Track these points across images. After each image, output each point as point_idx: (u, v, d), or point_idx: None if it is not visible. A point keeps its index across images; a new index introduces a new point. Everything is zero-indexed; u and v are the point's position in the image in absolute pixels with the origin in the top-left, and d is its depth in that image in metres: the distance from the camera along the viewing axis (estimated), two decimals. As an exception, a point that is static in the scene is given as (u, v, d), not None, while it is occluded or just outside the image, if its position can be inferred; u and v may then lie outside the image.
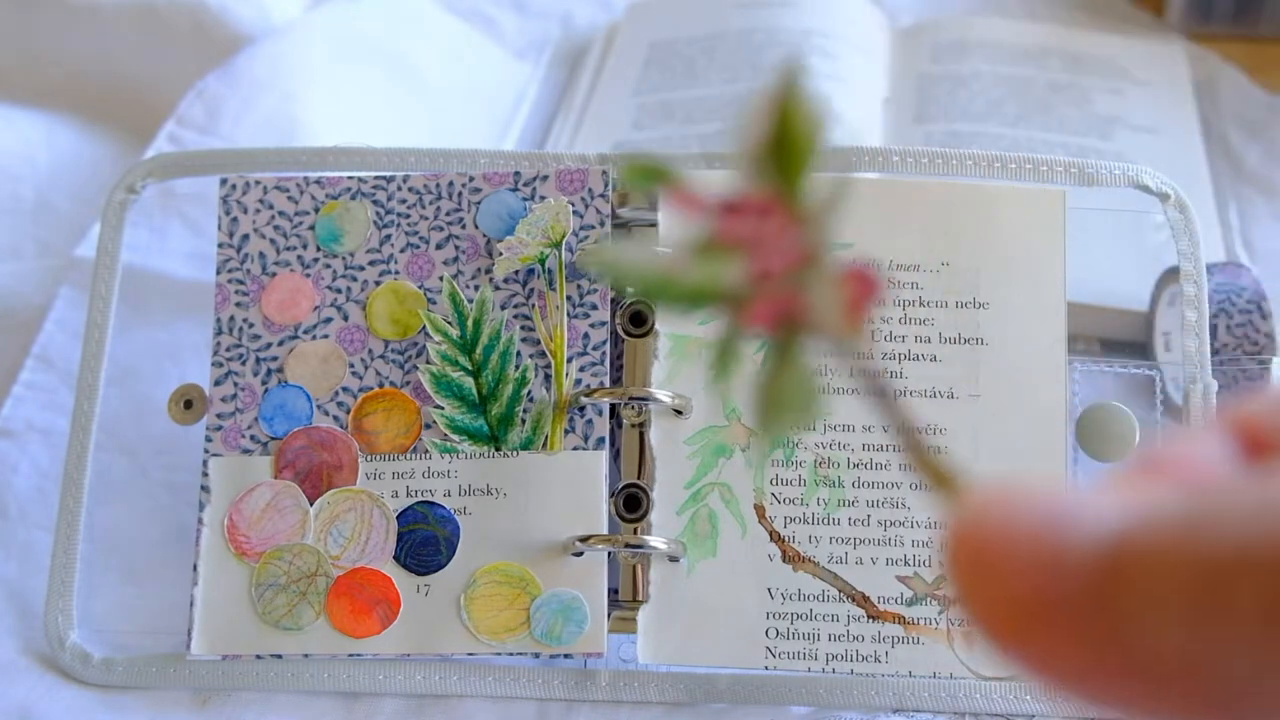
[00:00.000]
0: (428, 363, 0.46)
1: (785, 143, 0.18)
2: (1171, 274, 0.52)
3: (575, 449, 0.45)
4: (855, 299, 0.19)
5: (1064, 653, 0.16)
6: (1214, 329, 0.49)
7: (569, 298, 0.46)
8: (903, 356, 0.46)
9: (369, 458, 0.46)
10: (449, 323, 0.46)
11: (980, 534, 0.17)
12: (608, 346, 0.46)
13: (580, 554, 0.45)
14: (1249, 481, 0.16)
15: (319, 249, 0.48)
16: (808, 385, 0.19)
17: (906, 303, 0.46)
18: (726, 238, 0.19)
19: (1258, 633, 0.14)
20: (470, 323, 0.46)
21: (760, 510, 0.45)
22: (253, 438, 0.47)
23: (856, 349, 0.18)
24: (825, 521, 0.45)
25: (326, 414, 0.47)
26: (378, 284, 0.47)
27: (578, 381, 0.46)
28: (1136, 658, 0.15)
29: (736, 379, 0.18)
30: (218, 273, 0.48)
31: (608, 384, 0.46)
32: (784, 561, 0.45)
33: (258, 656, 0.45)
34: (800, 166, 0.18)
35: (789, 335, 0.19)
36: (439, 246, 0.47)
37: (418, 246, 0.47)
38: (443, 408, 0.46)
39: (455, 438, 0.46)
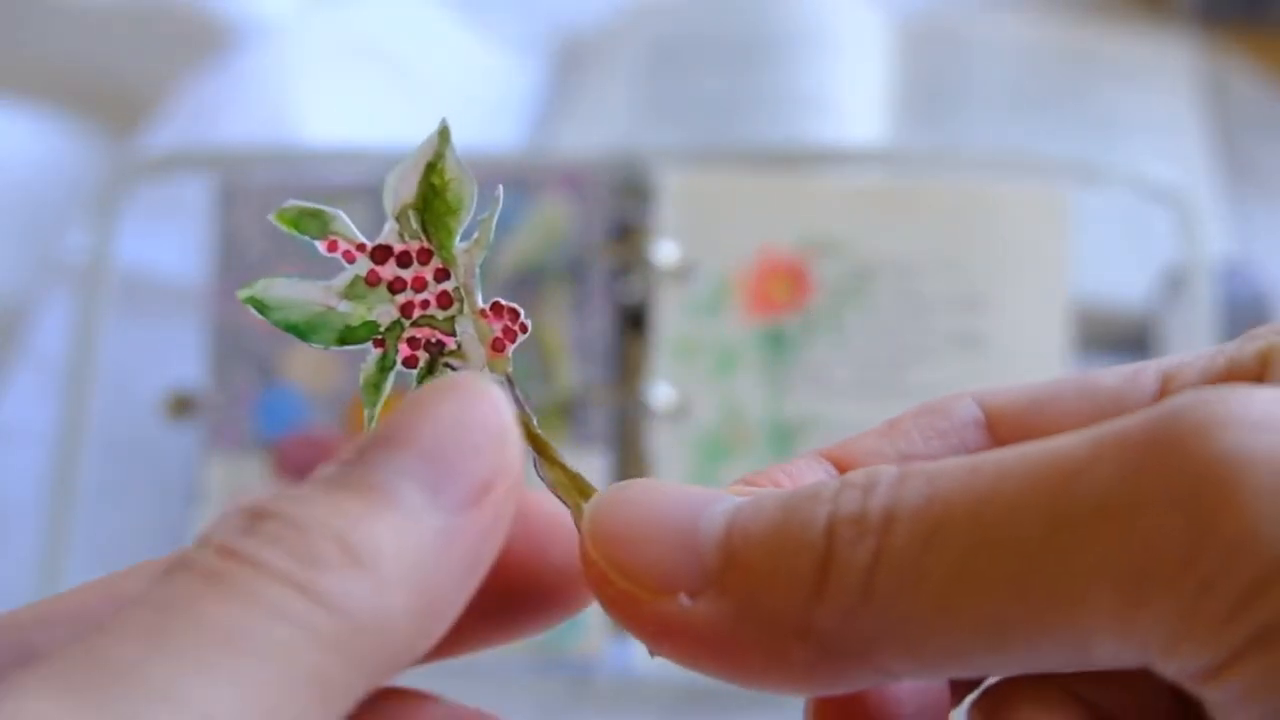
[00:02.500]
0: None
1: (434, 201, 0.21)
2: (1174, 274, 0.52)
3: (575, 449, 0.45)
4: (501, 335, 0.21)
5: (698, 631, 0.18)
6: (1217, 328, 0.48)
7: (568, 298, 0.46)
8: (903, 357, 0.46)
9: (366, 459, 0.46)
10: None
11: (622, 518, 0.19)
12: (608, 346, 0.46)
13: (579, 556, 0.44)
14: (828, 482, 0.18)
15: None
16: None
17: (907, 303, 0.46)
18: (375, 280, 0.21)
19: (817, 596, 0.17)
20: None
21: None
22: (248, 438, 0.46)
23: (503, 376, 0.21)
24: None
25: (323, 414, 0.46)
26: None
27: (577, 382, 0.45)
28: (757, 628, 0.18)
29: (382, 409, 0.20)
30: (212, 272, 0.48)
31: (608, 384, 0.45)
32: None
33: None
34: (449, 222, 0.21)
35: (432, 368, 0.21)
36: (437, 246, 0.47)
37: (415, 246, 0.47)
38: None
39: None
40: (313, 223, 0.21)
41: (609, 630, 0.44)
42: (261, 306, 0.20)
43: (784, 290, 0.46)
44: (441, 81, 0.68)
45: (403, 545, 0.17)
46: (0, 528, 0.50)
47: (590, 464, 0.45)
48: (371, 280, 0.21)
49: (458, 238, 0.21)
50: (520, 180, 0.47)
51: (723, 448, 0.45)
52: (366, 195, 0.48)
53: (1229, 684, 0.16)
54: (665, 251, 0.46)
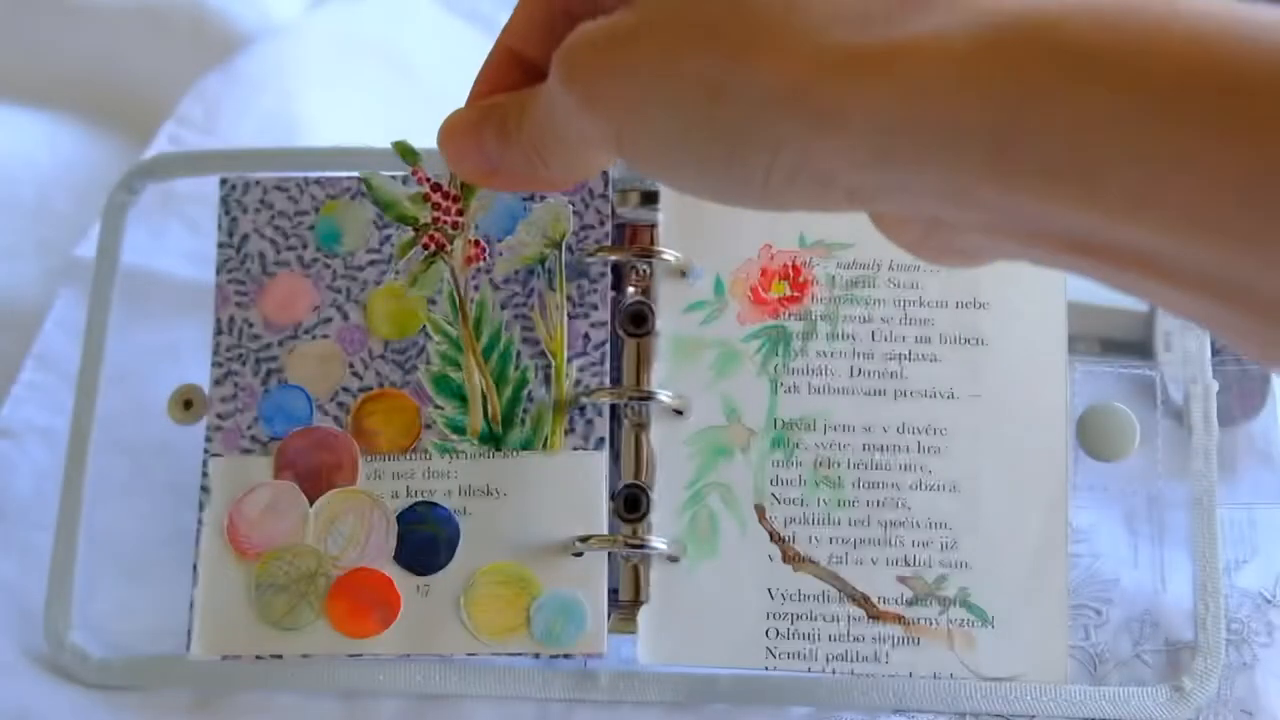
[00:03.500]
0: (427, 363, 0.46)
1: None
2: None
3: (575, 449, 0.45)
4: (472, 255, 0.45)
5: (505, 181, 0.34)
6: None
7: (569, 298, 0.46)
8: (903, 356, 0.46)
9: (369, 458, 0.46)
10: (448, 323, 0.46)
11: (447, 146, 0.35)
12: (608, 346, 0.46)
13: (580, 554, 0.45)
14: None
15: (319, 249, 0.48)
16: (434, 280, 0.45)
17: (907, 303, 0.46)
18: (427, 199, 0.44)
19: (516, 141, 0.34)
20: (471, 323, 0.46)
21: (760, 510, 0.45)
22: (253, 438, 0.47)
23: (463, 281, 0.44)
24: (825, 522, 0.45)
25: (326, 414, 0.47)
26: (378, 284, 0.47)
27: (578, 382, 0.46)
28: (528, 177, 0.34)
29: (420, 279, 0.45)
30: (217, 273, 0.48)
31: (608, 384, 0.46)
32: (784, 562, 0.45)
33: (257, 657, 0.45)
34: (474, 190, 0.44)
35: (433, 256, 0.45)
36: (439, 246, 0.47)
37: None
38: (442, 408, 0.46)
39: (455, 438, 0.46)
40: (412, 157, 0.43)
41: (610, 629, 0.45)
42: (368, 184, 0.45)
43: (784, 290, 0.47)
44: (444, 81, 0.69)
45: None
46: (4, 528, 0.51)
47: (590, 464, 0.45)
48: (426, 198, 0.44)
49: (475, 199, 0.44)
50: (522, 181, 0.47)
51: (723, 448, 0.46)
52: (367, 196, 0.48)
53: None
54: (665, 251, 0.46)
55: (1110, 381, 0.50)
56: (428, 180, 0.43)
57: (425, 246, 0.44)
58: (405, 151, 0.42)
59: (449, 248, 0.44)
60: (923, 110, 0.24)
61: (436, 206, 0.44)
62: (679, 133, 0.28)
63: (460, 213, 0.44)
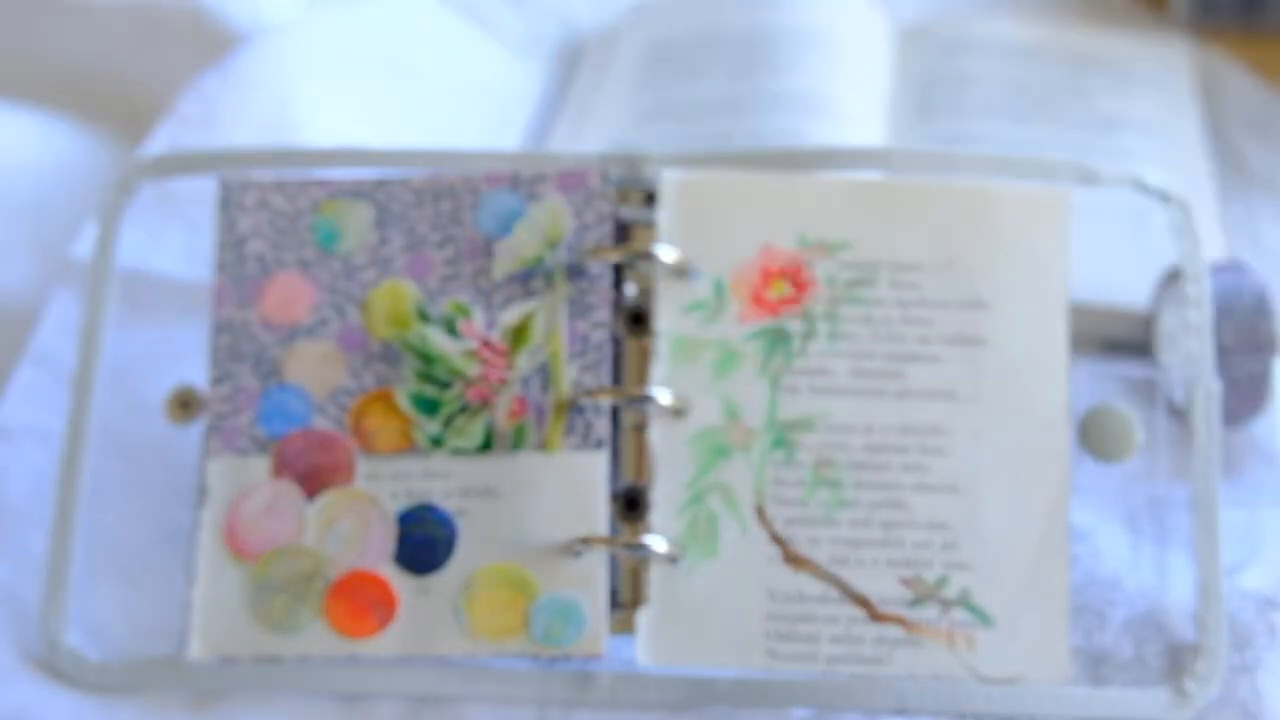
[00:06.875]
0: (404, 379, 0.46)
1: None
2: (1173, 274, 0.52)
3: (575, 450, 0.45)
4: (514, 410, 0.44)
5: None
6: (1216, 329, 0.48)
7: (568, 298, 0.46)
8: (903, 357, 0.46)
9: (368, 459, 0.46)
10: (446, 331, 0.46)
11: None
12: (608, 346, 0.46)
13: (580, 555, 0.44)
14: None
15: (318, 249, 0.48)
16: (473, 433, 0.45)
17: (907, 303, 0.46)
18: (477, 352, 0.44)
19: None
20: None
21: (761, 511, 0.45)
22: (251, 438, 0.47)
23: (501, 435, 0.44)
24: (826, 522, 0.45)
25: (325, 415, 0.46)
26: (377, 284, 0.47)
27: (577, 382, 0.45)
28: None
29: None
30: (216, 273, 0.48)
31: (608, 384, 0.46)
32: (784, 563, 0.45)
33: (255, 659, 0.45)
34: (523, 344, 0.44)
35: (478, 410, 0.44)
36: (438, 247, 0.47)
37: (417, 247, 0.47)
38: (426, 425, 0.46)
39: (451, 442, 0.45)
40: (464, 312, 0.45)
41: (610, 630, 0.45)
42: (423, 337, 0.46)
43: (784, 290, 0.46)
44: (444, 82, 0.68)
45: None
46: (2, 528, 0.51)
47: (590, 464, 0.45)
48: (475, 354, 0.45)
49: (522, 354, 0.44)
50: (520, 180, 0.47)
51: (723, 448, 0.45)
52: (369, 195, 0.48)
53: None
54: (665, 251, 0.46)
55: (1112, 382, 0.50)
56: (478, 335, 0.44)
57: (471, 400, 0.44)
58: (458, 309, 0.44)
59: (493, 401, 0.44)
60: None
61: (485, 362, 0.44)
62: None
63: (508, 367, 0.44)
